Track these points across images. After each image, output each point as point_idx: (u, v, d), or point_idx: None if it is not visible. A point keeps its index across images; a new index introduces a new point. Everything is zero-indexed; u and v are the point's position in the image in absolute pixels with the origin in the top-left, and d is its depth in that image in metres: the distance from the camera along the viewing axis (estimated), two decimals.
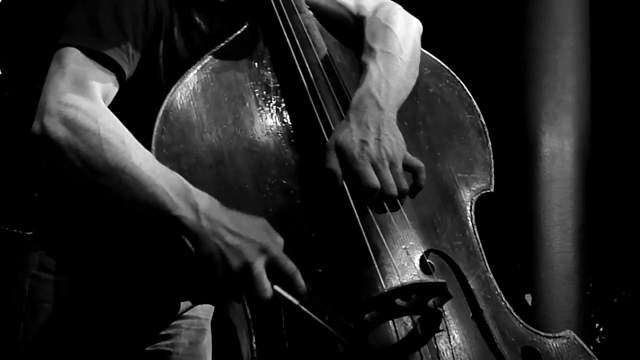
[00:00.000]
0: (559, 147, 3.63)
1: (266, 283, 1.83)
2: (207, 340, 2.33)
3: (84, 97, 1.91)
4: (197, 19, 2.12)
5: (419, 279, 1.99)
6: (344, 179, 1.98)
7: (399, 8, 2.24)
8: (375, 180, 1.95)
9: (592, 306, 3.68)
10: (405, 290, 1.90)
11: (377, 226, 1.99)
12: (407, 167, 2.00)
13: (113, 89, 1.98)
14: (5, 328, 2.13)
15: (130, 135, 1.90)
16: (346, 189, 1.99)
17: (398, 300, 1.91)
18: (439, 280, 1.97)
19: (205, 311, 2.31)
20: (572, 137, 3.65)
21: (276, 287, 1.86)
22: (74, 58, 1.95)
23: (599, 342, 3.78)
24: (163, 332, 2.22)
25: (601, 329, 3.81)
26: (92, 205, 2.06)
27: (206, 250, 1.83)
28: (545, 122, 3.63)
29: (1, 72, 3.84)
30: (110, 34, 1.99)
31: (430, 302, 1.94)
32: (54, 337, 2.08)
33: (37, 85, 3.96)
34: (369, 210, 2.00)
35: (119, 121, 1.91)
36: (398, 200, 1.99)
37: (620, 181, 3.98)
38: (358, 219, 1.98)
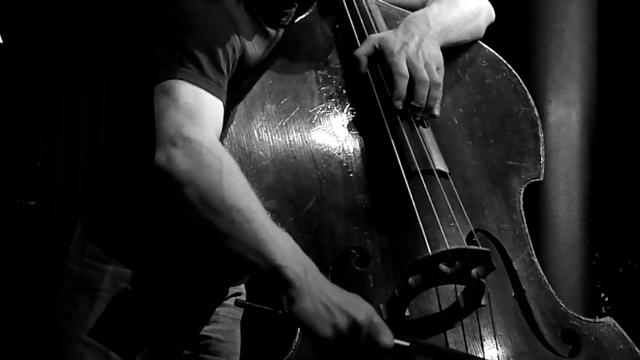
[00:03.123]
0: (565, 116, 3.61)
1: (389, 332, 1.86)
2: (239, 331, 2.38)
3: (204, 132, 1.91)
4: (267, 28, 2.16)
5: (464, 245, 2.02)
6: (375, 75, 2.14)
7: None
8: (405, 70, 2.12)
9: (597, 276, 3.67)
10: (450, 254, 1.95)
11: (426, 200, 2.04)
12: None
13: (221, 121, 2.00)
14: (48, 312, 2.15)
15: (247, 182, 1.92)
16: (370, 79, 2.16)
17: (442, 266, 1.96)
18: (484, 248, 2.01)
19: None
20: (579, 105, 3.63)
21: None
22: (184, 92, 1.95)
23: (604, 312, 3.77)
24: None
25: (607, 299, 3.80)
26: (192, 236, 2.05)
27: (311, 306, 1.82)
28: (552, 90, 3.61)
29: (2, 40, 3.82)
30: (211, 73, 1.99)
31: (474, 273, 1.97)
32: (112, 326, 2.09)
33: (37, 55, 3.94)
34: (399, 120, 2.12)
35: (237, 165, 1.92)
36: (428, 111, 2.12)
37: (627, 150, 3.96)
38: (385, 120, 2.11)
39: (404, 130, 2.10)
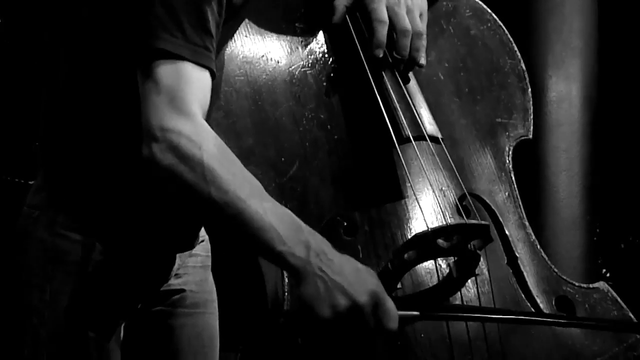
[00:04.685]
0: (565, 91, 3.59)
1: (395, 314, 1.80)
2: (211, 277, 2.31)
3: (185, 118, 1.81)
4: None
5: (463, 220, 1.97)
6: (356, 26, 2.05)
7: None
8: (385, 16, 2.03)
9: (598, 252, 3.67)
10: (451, 230, 1.90)
11: (417, 166, 1.99)
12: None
13: (208, 95, 1.88)
14: (21, 288, 2.02)
15: (238, 162, 1.84)
16: (352, 30, 2.06)
17: (440, 241, 1.90)
18: (483, 222, 1.96)
19: (204, 249, 2.28)
20: (579, 81, 3.61)
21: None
22: (166, 72, 1.82)
23: None
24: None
25: (608, 275, 3.80)
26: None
27: (313, 287, 1.77)
28: (552, 65, 3.59)
29: (1, 20, 3.80)
30: (197, 37, 1.85)
31: (470, 245, 1.92)
32: (89, 303, 2.00)
33: (37, 34, 3.92)
34: (386, 79, 2.03)
35: (224, 145, 1.83)
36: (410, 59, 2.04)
37: (628, 126, 3.95)
38: (372, 79, 2.02)
39: (392, 91, 2.03)
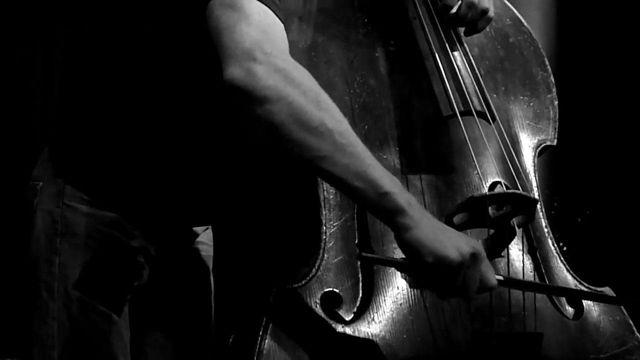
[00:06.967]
0: None
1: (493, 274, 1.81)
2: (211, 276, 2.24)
3: (281, 51, 1.76)
4: None
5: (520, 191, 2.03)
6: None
7: None
8: None
9: (556, 226, 3.68)
10: (507, 197, 1.97)
11: (472, 139, 2.04)
12: None
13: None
14: (30, 262, 1.96)
15: None
16: None
17: (490, 209, 1.95)
18: (535, 197, 2.06)
19: (209, 237, 2.20)
20: None
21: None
22: (254, 8, 1.76)
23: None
24: None
25: (565, 248, 3.82)
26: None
27: (430, 231, 1.74)
28: None
29: None
30: None
31: (512, 222, 1.98)
32: (97, 276, 1.94)
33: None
34: (450, 52, 2.08)
35: None
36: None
37: (586, 100, 3.96)
38: (434, 48, 2.08)
39: (456, 65, 2.09)
